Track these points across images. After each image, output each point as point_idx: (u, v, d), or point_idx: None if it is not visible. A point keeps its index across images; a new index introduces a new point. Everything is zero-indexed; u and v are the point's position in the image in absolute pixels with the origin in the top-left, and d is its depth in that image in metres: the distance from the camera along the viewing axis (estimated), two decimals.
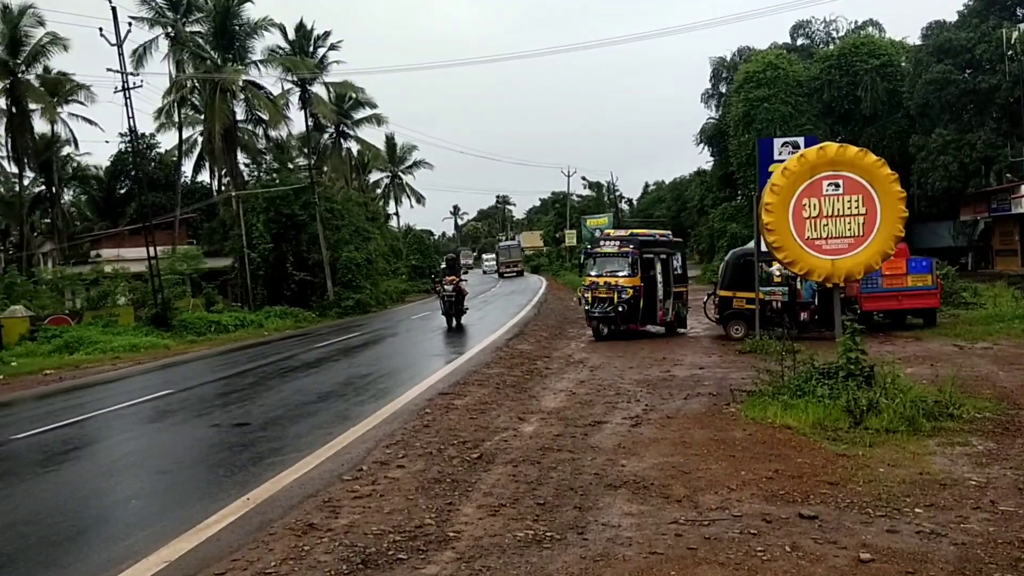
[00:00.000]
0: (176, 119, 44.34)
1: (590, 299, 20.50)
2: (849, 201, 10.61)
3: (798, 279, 19.45)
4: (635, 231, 22.96)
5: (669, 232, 23.46)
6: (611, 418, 10.34)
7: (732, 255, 20.42)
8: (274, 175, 43.28)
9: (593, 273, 20.95)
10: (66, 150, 55.75)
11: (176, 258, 37.22)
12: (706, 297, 24.22)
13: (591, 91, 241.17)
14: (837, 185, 10.62)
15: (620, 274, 20.40)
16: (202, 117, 43.79)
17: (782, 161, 16.83)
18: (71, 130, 46.82)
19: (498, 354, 16.67)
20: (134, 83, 28.81)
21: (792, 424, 9.54)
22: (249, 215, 40.25)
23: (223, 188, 45.45)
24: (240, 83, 41.71)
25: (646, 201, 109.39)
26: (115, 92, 40.50)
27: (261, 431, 10.27)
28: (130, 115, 28.42)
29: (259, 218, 39.76)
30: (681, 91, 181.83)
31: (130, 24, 32.90)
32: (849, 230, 10.64)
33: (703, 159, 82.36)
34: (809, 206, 10.68)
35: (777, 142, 17.25)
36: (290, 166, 44.82)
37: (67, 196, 57.83)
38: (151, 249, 28.59)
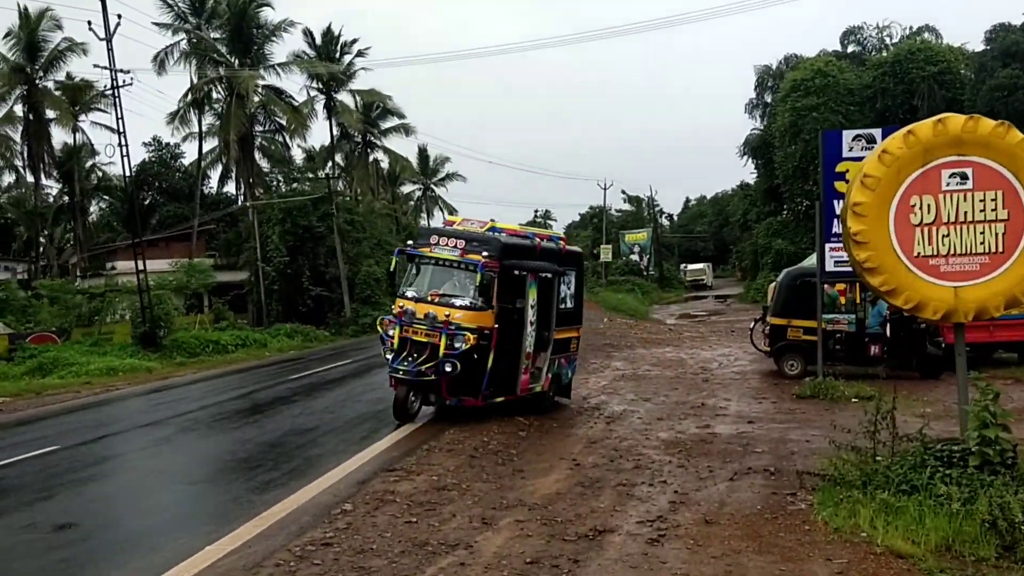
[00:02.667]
0: (195, 125, 41.69)
1: (396, 341, 11.28)
2: (983, 200, 6.95)
3: (867, 304, 15.75)
4: (501, 227, 12.59)
5: (561, 237, 14.10)
6: (622, 519, 6.81)
7: (787, 276, 16.66)
8: (294, 185, 40.36)
9: (411, 294, 11.71)
10: (95, 160, 54.10)
11: (183, 272, 34.37)
12: (753, 323, 20.47)
13: (634, 104, 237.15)
14: (964, 176, 6.96)
15: (457, 302, 11.31)
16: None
17: (854, 159, 13.21)
18: (88, 139, 44.52)
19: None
20: (123, 81, 25.97)
21: (903, 548, 5.94)
22: (265, 226, 37.35)
23: (246, 198, 42.74)
24: (258, 88, 38.86)
25: (687, 216, 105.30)
26: (104, 91, 38.11)
27: (82, 541, 6.68)
28: (119, 115, 25.45)
29: (275, 230, 36.81)
30: (725, 103, 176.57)
31: (119, 18, 30.08)
32: (982, 244, 6.96)
33: (747, 172, 78.37)
34: (920, 208, 7.03)
35: (847, 135, 13.57)
36: (310, 175, 41.84)
37: (93, 207, 55.85)
38: (139, 262, 25.68)
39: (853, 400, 12.81)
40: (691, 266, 75.82)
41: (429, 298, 11.44)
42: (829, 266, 13.57)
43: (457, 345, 10.88)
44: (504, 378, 11.67)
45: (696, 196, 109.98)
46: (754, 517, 6.82)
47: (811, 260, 17.84)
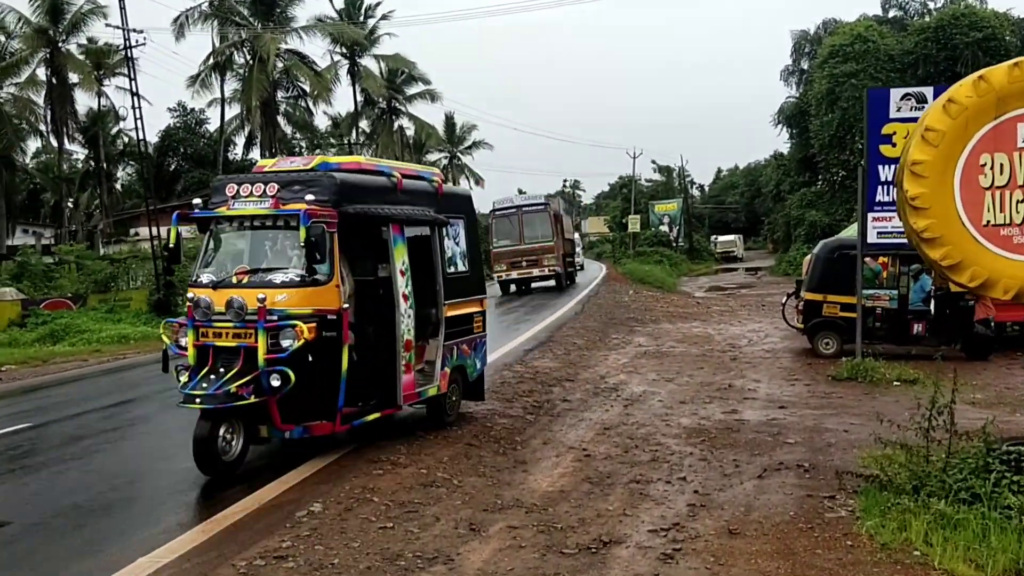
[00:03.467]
0: (216, 90, 40.86)
1: (192, 353, 7.35)
2: None
3: (910, 279, 14.55)
4: (336, 160, 8.75)
5: (437, 173, 10.11)
6: (632, 526, 5.85)
7: (823, 247, 15.41)
8: (316, 151, 39.50)
9: (206, 279, 7.66)
10: (121, 126, 53.64)
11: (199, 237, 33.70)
12: (785, 298, 19.29)
13: (664, 73, 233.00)
14: None
15: (277, 278, 7.47)
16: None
17: (902, 121, 12.00)
18: (112, 104, 43.87)
19: (504, 375, 12.05)
20: (137, 40, 25.25)
21: (965, 573, 4.93)
22: None
23: None
24: (280, 52, 37.92)
25: (718, 187, 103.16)
26: (117, 52, 37.32)
27: (6, 544, 5.80)
28: (131, 76, 24.65)
29: None
30: (760, 72, 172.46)
31: None
32: None
33: (779, 142, 76.13)
34: (992, 168, 5.91)
35: (895, 93, 12.28)
36: (332, 141, 40.93)
37: (121, 172, 55.55)
38: (153, 228, 24.97)
39: (895, 383, 11.71)
40: (722, 238, 74.04)
41: (234, 279, 7.45)
42: (871, 237, 12.37)
43: (284, 344, 6.98)
44: (375, 384, 8.13)
45: (728, 166, 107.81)
46: (786, 527, 5.83)
47: (850, 231, 16.66)
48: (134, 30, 25.12)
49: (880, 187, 12.13)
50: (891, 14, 52.98)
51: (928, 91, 12.16)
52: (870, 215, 12.33)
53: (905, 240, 8.34)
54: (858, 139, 47.43)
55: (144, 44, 34.00)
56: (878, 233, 12.27)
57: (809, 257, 18.75)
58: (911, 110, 11.98)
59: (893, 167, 11.82)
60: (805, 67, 54.36)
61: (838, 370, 12.42)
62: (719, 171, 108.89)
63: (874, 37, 47.23)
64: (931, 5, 52.53)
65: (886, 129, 12.12)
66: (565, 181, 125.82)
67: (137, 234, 41.25)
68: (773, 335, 17.81)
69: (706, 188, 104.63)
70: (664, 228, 67.54)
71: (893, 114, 12.11)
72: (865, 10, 61.96)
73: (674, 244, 65.13)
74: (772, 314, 22.66)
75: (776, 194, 58.55)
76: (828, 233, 48.48)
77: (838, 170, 48.23)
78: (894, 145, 12.04)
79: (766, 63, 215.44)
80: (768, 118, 57.91)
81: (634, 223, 56.95)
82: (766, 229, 75.13)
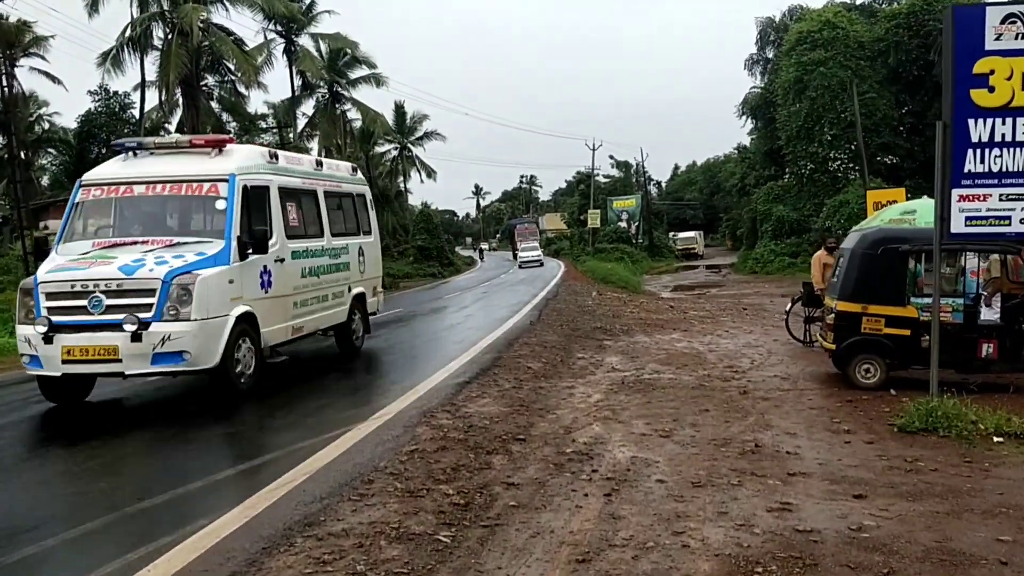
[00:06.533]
0: (131, 70, 35.72)
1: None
2: None
3: (978, 282, 10.67)
4: None
5: None
6: None
7: (862, 240, 11.11)
8: (244, 138, 34.71)
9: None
10: (43, 111, 48.13)
11: None
12: (789, 304, 15.34)
13: (620, 71, 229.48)
14: None
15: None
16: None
17: (1006, 54, 8.00)
18: (21, 86, 38.59)
19: (417, 437, 7.50)
20: None
21: None
22: None
23: None
24: (204, 25, 33.07)
25: (676, 183, 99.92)
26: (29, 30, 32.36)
27: None
28: None
29: None
30: (719, 69, 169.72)
31: None
32: None
33: (742, 136, 72.67)
34: None
35: (992, 14, 8.15)
36: (263, 125, 36.16)
37: (44, 161, 50.03)
38: (21, 217, 20.22)
39: (996, 440, 7.73)
40: (682, 234, 70.61)
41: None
42: (958, 225, 8.29)
43: None
44: None
45: (686, 163, 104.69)
46: None
47: (887, 216, 12.67)
48: None
49: (972, 151, 8.11)
50: (859, 0, 49.80)
51: None
52: (955, 192, 8.24)
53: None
54: (827, 129, 44.00)
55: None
56: (968, 219, 8.21)
57: (819, 255, 14.80)
58: (1018, 37, 7.99)
59: (992, 121, 7.84)
60: (771, 56, 50.98)
61: (905, 417, 8.37)
62: (676, 168, 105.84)
63: (843, 23, 44.17)
64: None
65: (979, 66, 8.06)
66: (522, 177, 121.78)
67: (47, 227, 36.09)
68: (777, 351, 13.79)
69: (663, 185, 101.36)
70: (623, 224, 63.86)
71: (990, 45, 8.06)
72: None
73: (634, 241, 61.36)
74: (760, 321, 18.79)
75: (741, 188, 55.05)
76: (796, 229, 45.10)
77: (806, 163, 44.91)
78: (992, 90, 8.05)
79: (725, 61, 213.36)
80: (728, 114, 54.55)
81: (594, 218, 53.15)
82: (725, 226, 71.80)
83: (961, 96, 8.12)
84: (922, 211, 12.27)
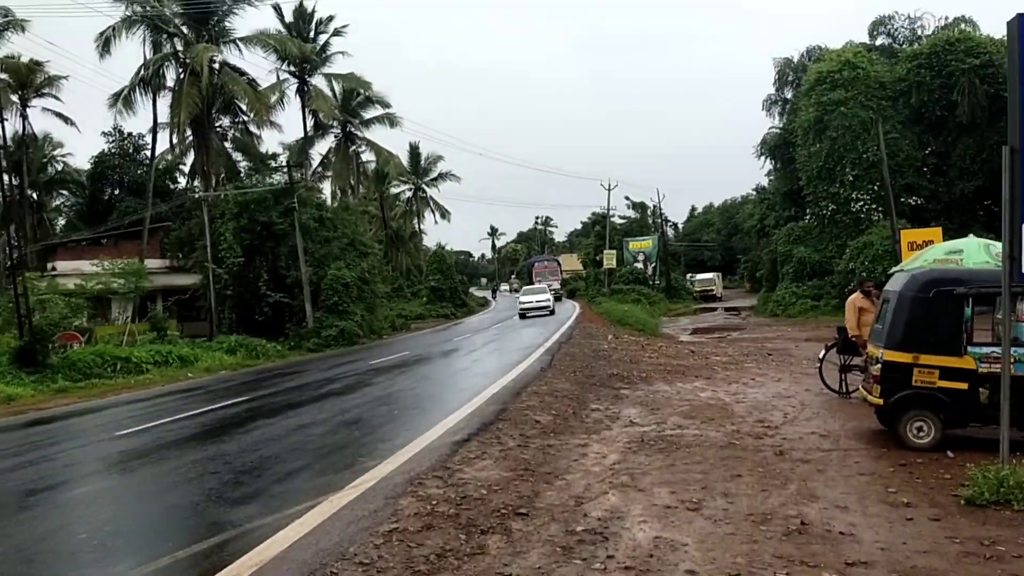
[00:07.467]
0: (144, 111, 35.44)
1: None
2: None
3: None
4: None
5: None
6: None
7: (914, 282, 9.79)
8: (254, 176, 34.10)
9: None
10: (56, 152, 48.03)
11: (111, 274, 28.08)
12: (823, 351, 14.07)
13: (638, 114, 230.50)
14: None
15: None
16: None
17: None
18: (31, 127, 38.42)
19: (399, 511, 6.42)
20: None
21: None
22: (218, 222, 31.12)
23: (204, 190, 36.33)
24: (216, 65, 32.67)
25: (693, 224, 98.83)
26: (41, 71, 32.09)
27: None
28: None
29: (228, 226, 30.53)
30: (736, 111, 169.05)
31: None
32: None
33: (760, 177, 71.58)
34: None
35: None
36: (273, 164, 35.57)
37: (57, 202, 49.89)
38: (12, 258, 19.42)
39: None
40: (700, 276, 69.19)
41: None
42: None
43: None
44: None
45: (703, 205, 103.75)
46: None
47: (931, 255, 11.44)
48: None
49: None
50: (879, 41, 49.01)
51: None
52: None
53: None
54: (849, 170, 42.95)
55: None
56: None
57: (854, 298, 13.57)
58: None
59: None
60: (789, 96, 50.11)
61: (972, 486, 7.13)
62: (693, 209, 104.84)
63: (863, 63, 43.25)
64: (921, 32, 48.66)
65: None
66: (537, 218, 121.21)
67: (54, 268, 35.47)
68: (811, 403, 12.52)
69: (680, 227, 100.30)
70: (639, 265, 62.71)
71: None
72: (851, 37, 57.97)
73: (651, 282, 60.13)
74: (788, 367, 17.52)
75: (760, 229, 53.80)
76: (818, 271, 43.78)
77: (828, 203, 43.65)
78: None
79: (743, 104, 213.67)
80: (746, 155, 53.63)
81: (609, 258, 52.04)
82: (743, 267, 70.44)
83: None
84: (969, 250, 11.10)
